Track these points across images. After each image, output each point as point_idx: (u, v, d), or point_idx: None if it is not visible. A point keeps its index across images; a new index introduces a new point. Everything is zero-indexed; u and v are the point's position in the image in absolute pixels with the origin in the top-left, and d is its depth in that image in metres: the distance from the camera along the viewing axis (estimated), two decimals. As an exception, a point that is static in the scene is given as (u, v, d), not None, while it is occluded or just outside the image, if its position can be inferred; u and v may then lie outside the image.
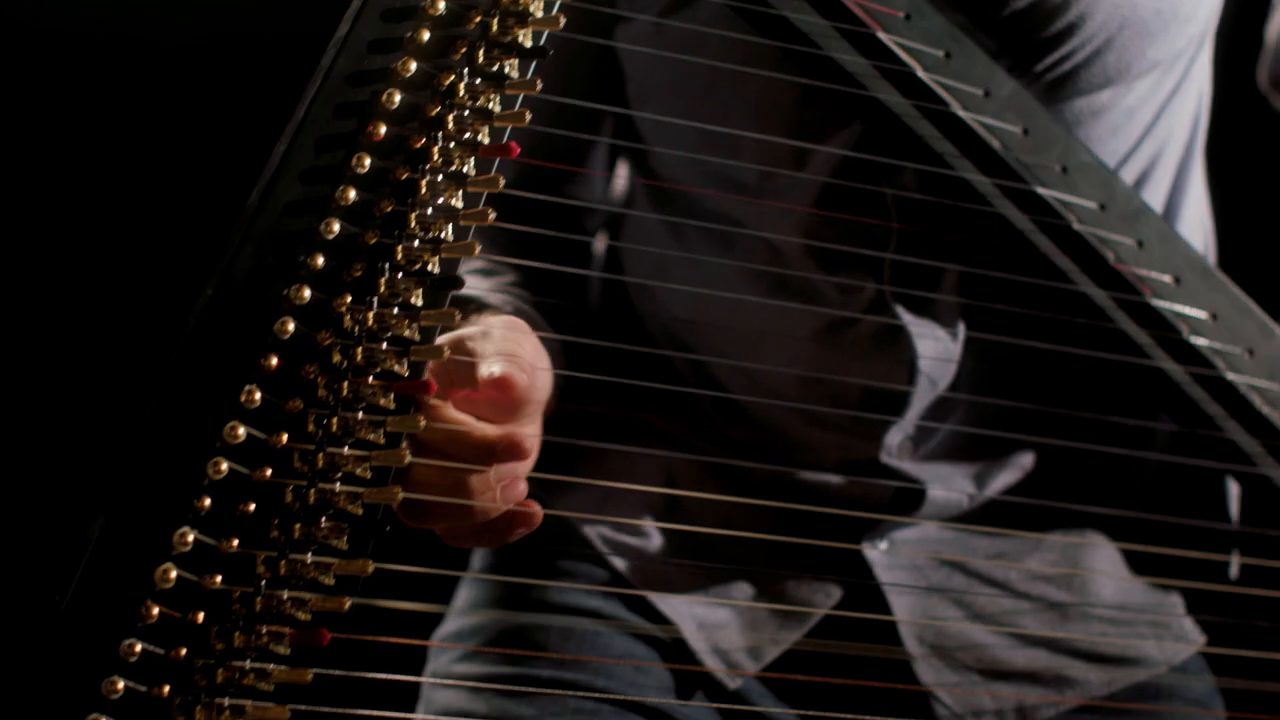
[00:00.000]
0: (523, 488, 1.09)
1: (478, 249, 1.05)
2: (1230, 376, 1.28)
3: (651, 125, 1.38)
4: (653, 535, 1.40)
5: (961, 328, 1.33)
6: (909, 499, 1.36)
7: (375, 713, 1.06)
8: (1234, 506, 1.42)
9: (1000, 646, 1.37)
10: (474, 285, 1.35)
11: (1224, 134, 1.52)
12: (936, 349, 1.33)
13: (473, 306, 1.29)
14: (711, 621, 1.37)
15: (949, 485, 1.36)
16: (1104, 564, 1.40)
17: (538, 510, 1.09)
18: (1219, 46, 1.44)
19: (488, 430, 1.07)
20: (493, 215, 1.05)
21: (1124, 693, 1.38)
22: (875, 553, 1.36)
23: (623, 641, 1.38)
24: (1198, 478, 1.41)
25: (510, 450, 1.06)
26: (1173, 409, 1.31)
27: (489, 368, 1.07)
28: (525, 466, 1.14)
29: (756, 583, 1.38)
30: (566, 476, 1.38)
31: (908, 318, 1.33)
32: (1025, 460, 1.39)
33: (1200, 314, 1.28)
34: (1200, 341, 1.28)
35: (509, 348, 1.09)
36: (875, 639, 1.35)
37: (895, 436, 1.36)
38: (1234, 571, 1.41)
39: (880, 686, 1.32)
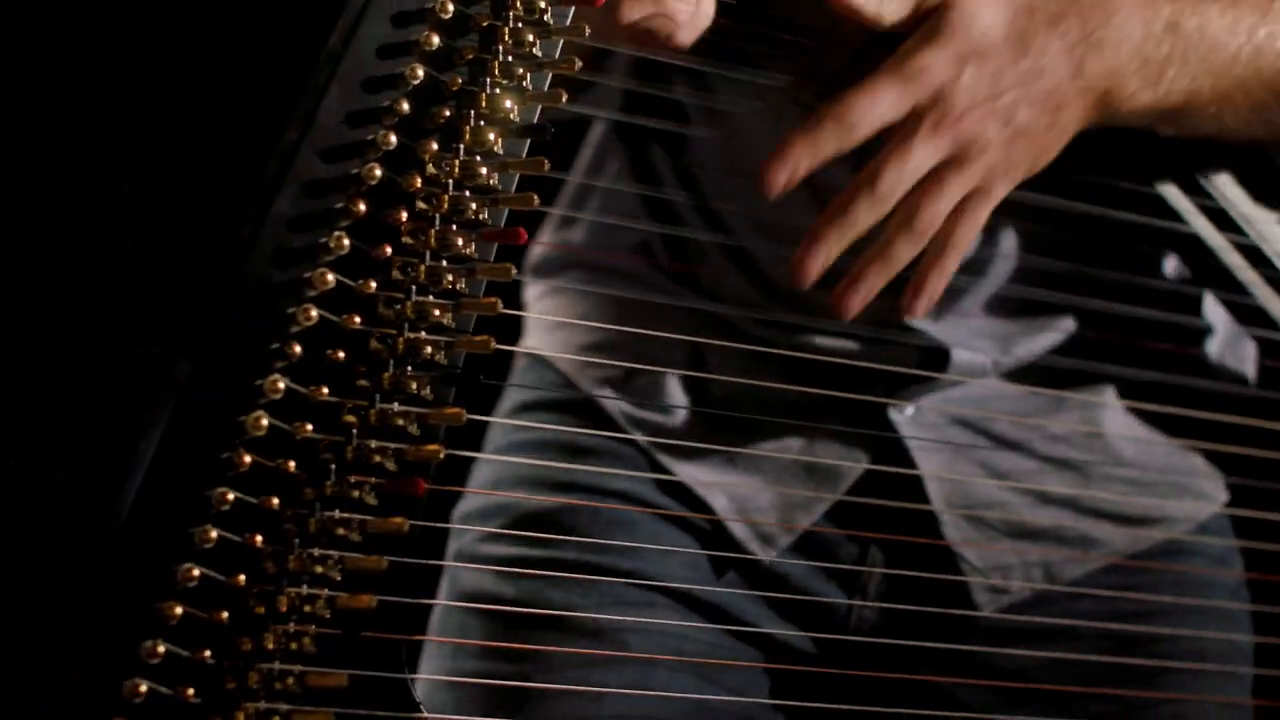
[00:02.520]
0: None
1: (564, 98, 1.04)
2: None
3: None
4: (677, 411, 1.40)
5: None
6: (933, 361, 1.37)
7: (399, 599, 1.06)
8: (1252, 368, 1.44)
9: (1025, 505, 1.38)
10: None
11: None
12: None
13: None
14: (741, 495, 1.37)
15: (973, 347, 1.37)
16: (1124, 424, 1.42)
17: None
18: None
19: None
20: (579, 64, 1.04)
21: (1146, 551, 1.40)
22: (900, 416, 1.37)
23: (650, 524, 1.38)
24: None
25: None
26: (1206, 275, 1.32)
27: None
28: None
29: (783, 453, 1.38)
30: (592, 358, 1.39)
31: None
32: (1063, 324, 1.39)
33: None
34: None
35: None
36: (903, 502, 1.36)
37: None
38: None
39: (908, 547, 1.33)
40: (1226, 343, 1.42)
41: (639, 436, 1.39)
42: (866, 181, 1.14)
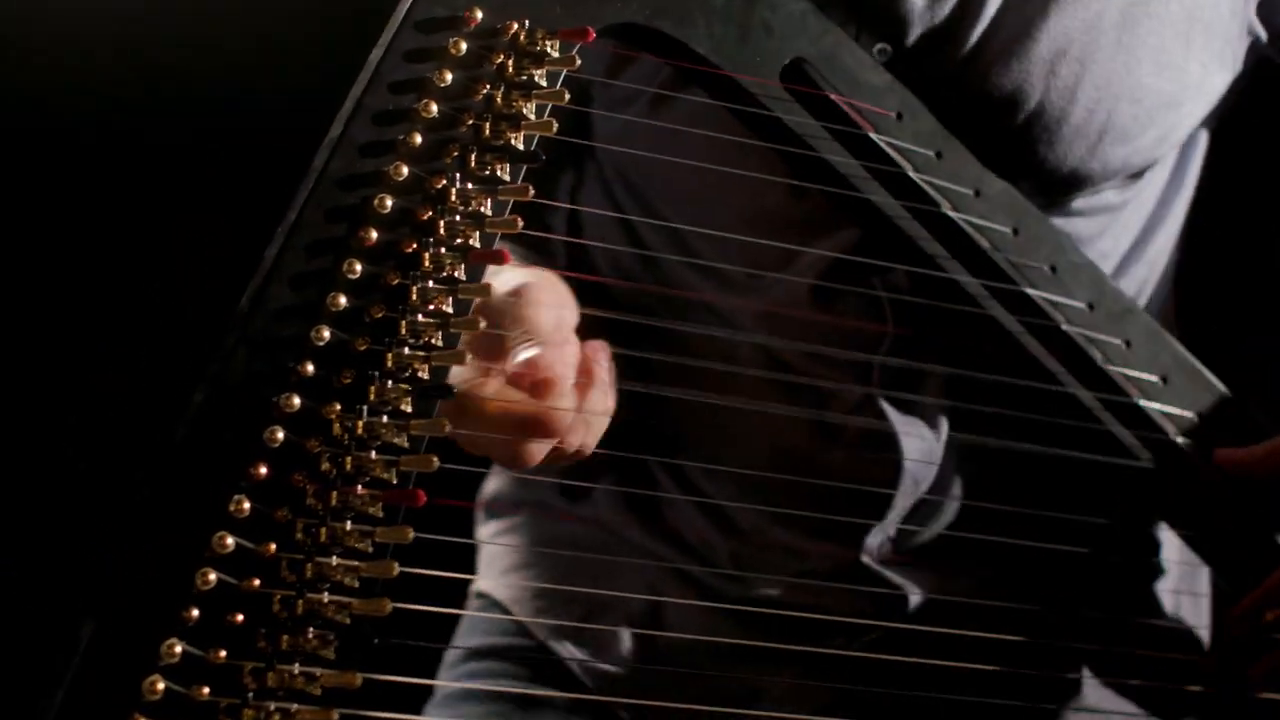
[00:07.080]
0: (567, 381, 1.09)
1: (469, 357, 1.04)
2: (1217, 477, 1.29)
3: (638, 226, 1.37)
4: (631, 664, 1.39)
5: (945, 428, 1.32)
6: (889, 603, 1.35)
7: None
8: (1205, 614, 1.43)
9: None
10: None
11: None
12: (921, 449, 1.32)
13: None
14: None
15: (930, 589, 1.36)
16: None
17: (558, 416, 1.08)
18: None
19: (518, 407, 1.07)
20: (484, 323, 1.05)
21: None
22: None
23: None
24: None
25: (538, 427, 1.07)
26: (1163, 510, 1.31)
27: (516, 357, 1.08)
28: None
29: (738, 697, 1.37)
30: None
31: (894, 417, 1.32)
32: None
33: (1188, 414, 1.28)
34: (1187, 441, 1.28)
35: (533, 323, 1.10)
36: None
37: (876, 538, 1.35)
38: None
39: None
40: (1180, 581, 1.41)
41: (596, 694, 1.38)
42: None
